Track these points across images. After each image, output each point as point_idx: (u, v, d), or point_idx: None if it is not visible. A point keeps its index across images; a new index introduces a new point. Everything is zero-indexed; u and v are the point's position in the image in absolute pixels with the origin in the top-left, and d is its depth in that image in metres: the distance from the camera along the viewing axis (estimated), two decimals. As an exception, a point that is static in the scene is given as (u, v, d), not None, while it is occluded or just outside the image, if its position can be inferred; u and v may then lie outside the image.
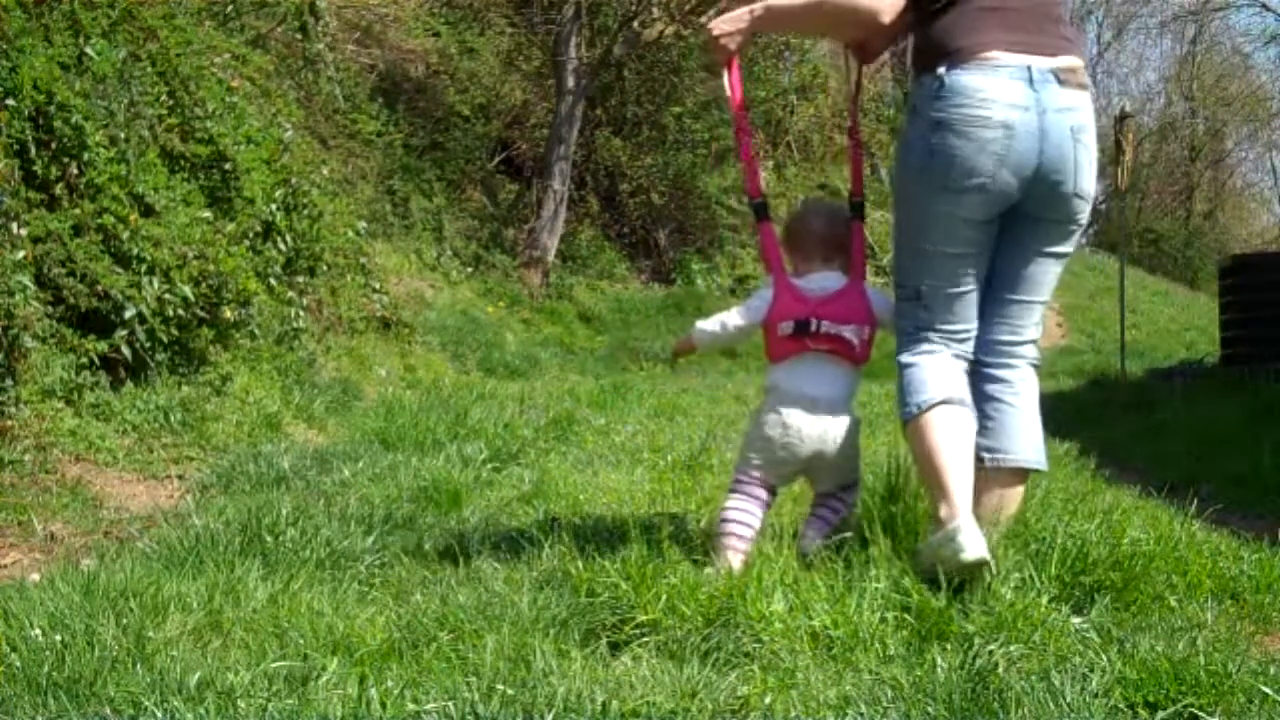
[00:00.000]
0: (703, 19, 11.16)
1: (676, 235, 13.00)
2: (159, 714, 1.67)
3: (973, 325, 2.42)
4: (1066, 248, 2.45)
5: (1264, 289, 7.65)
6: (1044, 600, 2.09)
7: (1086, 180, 2.36)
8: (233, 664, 1.86)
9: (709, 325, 2.53)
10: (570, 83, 10.79)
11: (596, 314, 10.94)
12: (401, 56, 11.43)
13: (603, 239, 12.46)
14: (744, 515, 2.39)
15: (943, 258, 2.37)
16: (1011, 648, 1.91)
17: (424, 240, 9.98)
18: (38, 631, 1.97)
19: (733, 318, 2.50)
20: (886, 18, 2.38)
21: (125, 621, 2.03)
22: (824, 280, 2.47)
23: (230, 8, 6.97)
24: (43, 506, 3.16)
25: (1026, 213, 2.37)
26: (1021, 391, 2.43)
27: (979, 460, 2.34)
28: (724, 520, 2.40)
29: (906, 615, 2.06)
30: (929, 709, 1.71)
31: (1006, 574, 2.16)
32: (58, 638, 1.94)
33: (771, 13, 2.54)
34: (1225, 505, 3.49)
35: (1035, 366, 2.49)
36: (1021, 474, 2.41)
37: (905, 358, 2.41)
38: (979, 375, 2.44)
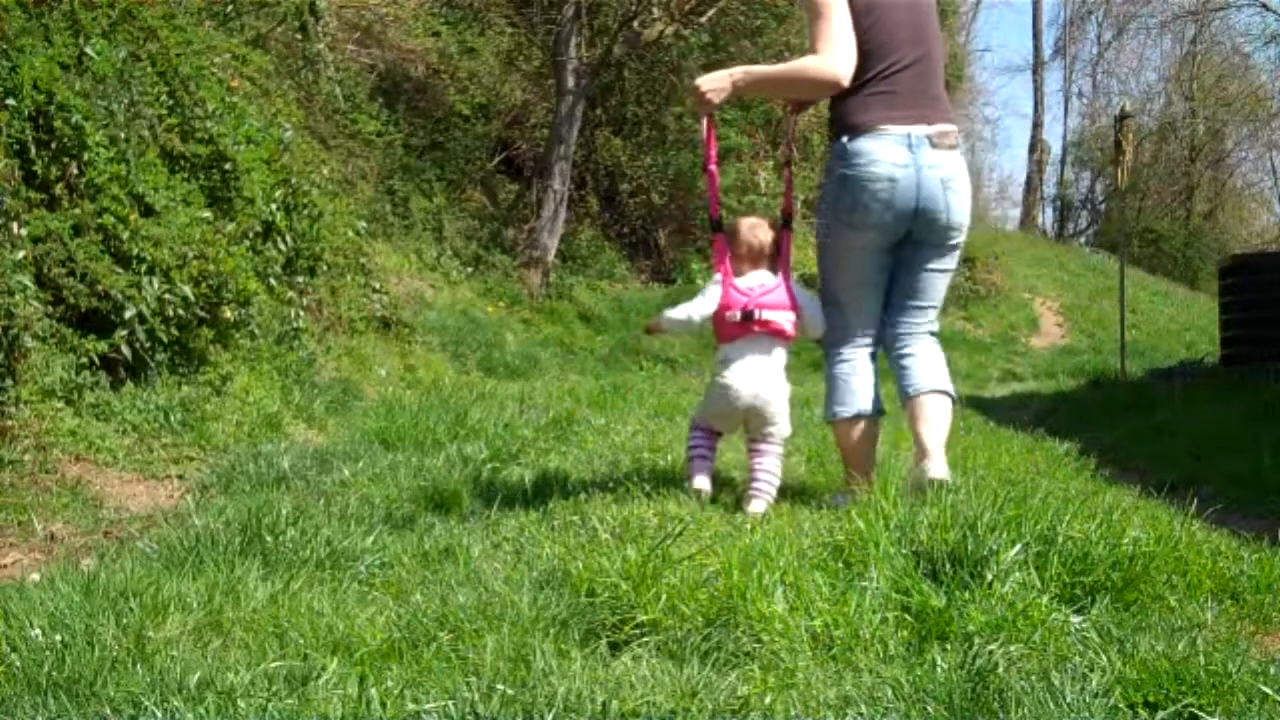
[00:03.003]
0: (703, 19, 11.18)
1: (676, 235, 13.01)
2: (159, 714, 1.67)
3: (877, 321, 3.21)
4: (948, 263, 3.23)
5: (1264, 289, 7.65)
6: (1044, 600, 2.09)
7: (958, 215, 3.13)
8: (233, 664, 1.86)
9: (678, 314, 3.23)
10: (570, 83, 10.79)
11: (596, 314, 10.93)
12: (401, 56, 11.42)
13: (603, 239, 12.46)
14: (702, 446, 3.23)
15: (852, 275, 3.16)
16: (1011, 648, 1.91)
17: (424, 240, 9.98)
18: (38, 631, 1.97)
19: (697, 310, 3.19)
20: (846, 83, 3.03)
21: (125, 621, 2.03)
22: (758, 279, 3.19)
23: (230, 8, 6.97)
24: (43, 506, 3.16)
25: (913, 240, 3.14)
26: (922, 352, 3.19)
27: (907, 396, 3.14)
28: (690, 449, 3.23)
29: (906, 615, 2.06)
30: (929, 709, 1.71)
31: (1006, 574, 2.16)
32: (58, 638, 1.94)
33: (751, 77, 3.15)
34: (1225, 505, 3.49)
35: (933, 335, 3.26)
36: (938, 398, 3.12)
37: (833, 364, 3.19)
38: (891, 358, 3.22)
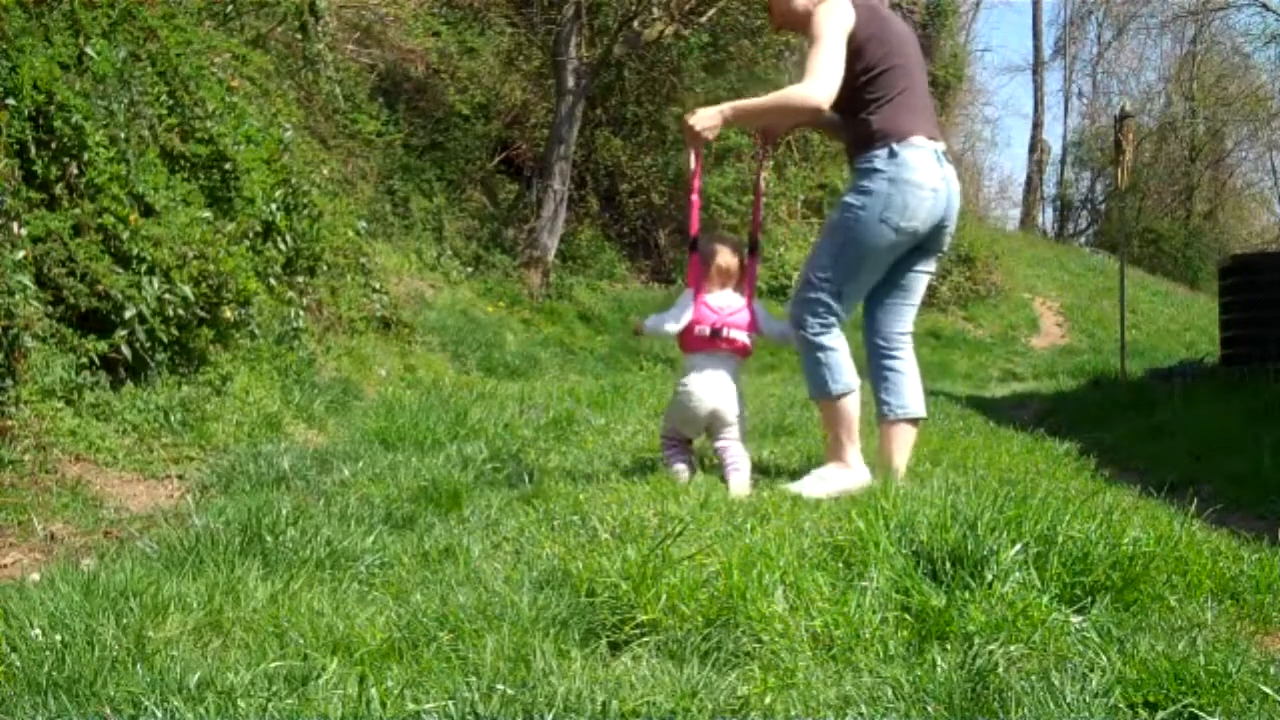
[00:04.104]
0: (703, 19, 11.18)
1: (676, 235, 13.00)
2: (159, 714, 1.67)
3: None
4: (935, 265, 3.56)
5: (1264, 289, 7.64)
6: (1044, 600, 2.09)
7: (956, 223, 3.47)
8: (233, 664, 1.86)
9: (657, 325, 3.53)
10: (570, 83, 10.79)
11: (596, 314, 10.93)
12: (401, 56, 11.42)
13: (603, 239, 12.46)
14: (675, 453, 3.56)
15: (867, 271, 3.35)
16: (1011, 648, 1.91)
17: (424, 240, 9.98)
18: (38, 631, 1.97)
19: (674, 322, 3.49)
20: (825, 107, 3.25)
21: (125, 621, 2.03)
22: (726, 298, 3.50)
23: (230, 8, 6.97)
24: (43, 506, 3.16)
25: (921, 246, 3.39)
26: (908, 363, 3.48)
27: (890, 412, 3.42)
28: (666, 459, 3.57)
29: (906, 615, 2.06)
30: (929, 709, 1.71)
31: (1006, 574, 2.16)
32: (58, 638, 1.94)
33: (738, 111, 3.37)
34: (1225, 505, 3.49)
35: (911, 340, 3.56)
36: (916, 420, 3.48)
37: (823, 339, 3.36)
38: (881, 354, 3.47)
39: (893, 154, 3.26)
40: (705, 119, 3.31)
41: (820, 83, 3.22)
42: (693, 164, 3.52)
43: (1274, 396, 5.78)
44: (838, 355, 3.36)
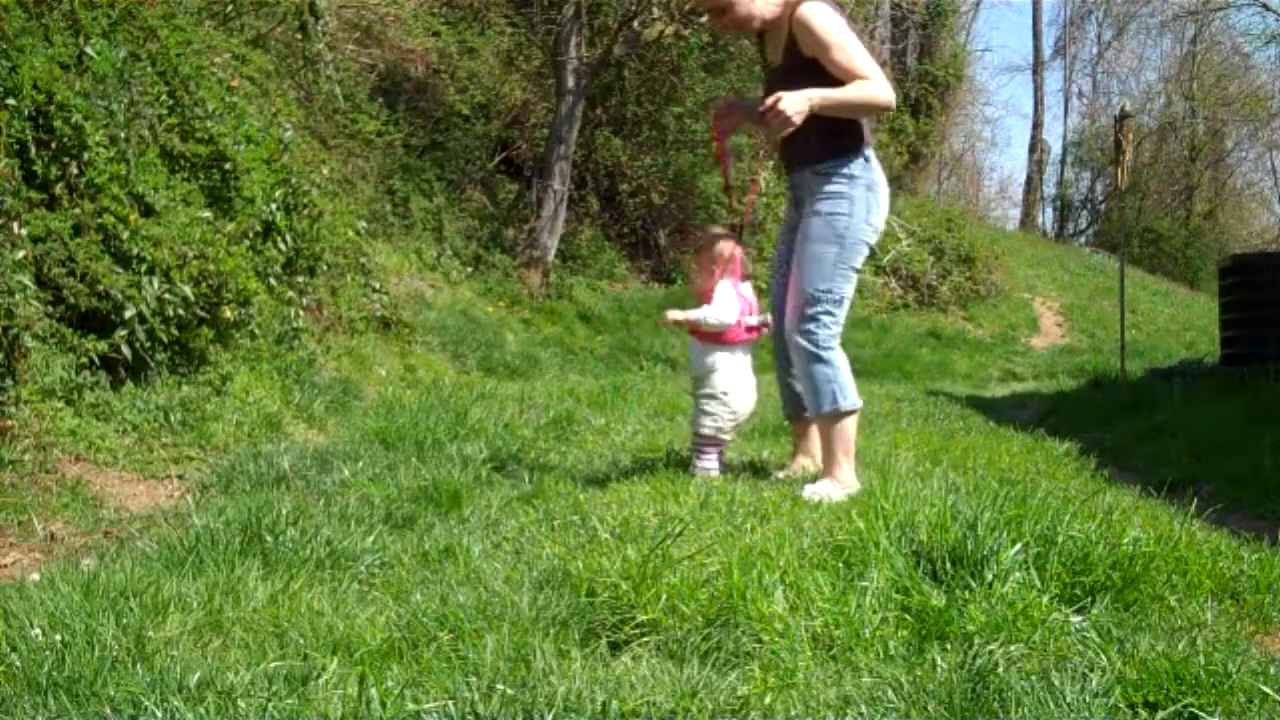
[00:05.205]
0: (703, 18, 11.17)
1: (676, 235, 13.00)
2: (159, 714, 1.67)
3: None
4: None
5: (1264, 289, 7.64)
6: (1044, 600, 2.09)
7: None
8: (233, 664, 1.86)
9: (715, 318, 3.45)
10: (570, 83, 10.78)
11: (596, 314, 10.93)
12: (401, 56, 11.42)
13: (603, 239, 12.46)
14: (712, 465, 3.46)
15: (855, 274, 3.41)
16: (1011, 648, 1.91)
17: (424, 240, 9.98)
18: (38, 631, 1.97)
19: (730, 317, 3.44)
20: (893, 106, 3.39)
21: (125, 621, 2.03)
22: (747, 289, 3.53)
23: (230, 8, 6.96)
24: (43, 506, 3.16)
25: None
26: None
27: (811, 410, 3.42)
28: (703, 467, 3.44)
29: (906, 615, 2.06)
30: (929, 709, 1.71)
31: (1006, 574, 2.16)
32: (58, 638, 1.94)
33: (827, 100, 3.32)
34: (1225, 505, 3.49)
35: None
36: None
37: (832, 354, 3.36)
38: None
39: (867, 160, 3.39)
40: (795, 103, 3.23)
41: (881, 80, 3.31)
42: (757, 148, 3.66)
43: (1274, 396, 5.78)
44: (843, 373, 3.38)
